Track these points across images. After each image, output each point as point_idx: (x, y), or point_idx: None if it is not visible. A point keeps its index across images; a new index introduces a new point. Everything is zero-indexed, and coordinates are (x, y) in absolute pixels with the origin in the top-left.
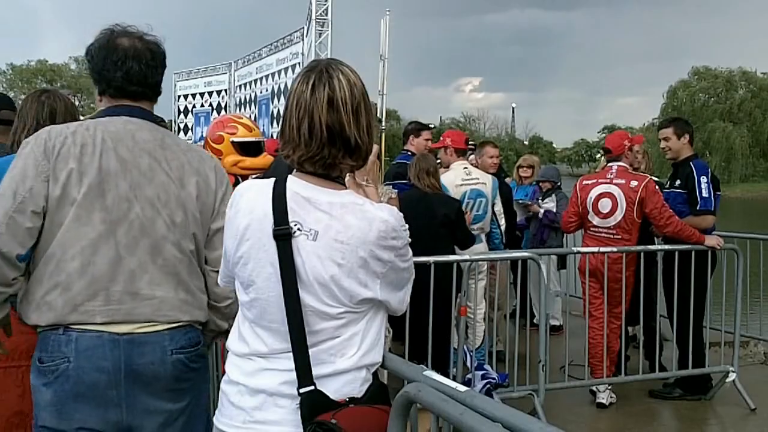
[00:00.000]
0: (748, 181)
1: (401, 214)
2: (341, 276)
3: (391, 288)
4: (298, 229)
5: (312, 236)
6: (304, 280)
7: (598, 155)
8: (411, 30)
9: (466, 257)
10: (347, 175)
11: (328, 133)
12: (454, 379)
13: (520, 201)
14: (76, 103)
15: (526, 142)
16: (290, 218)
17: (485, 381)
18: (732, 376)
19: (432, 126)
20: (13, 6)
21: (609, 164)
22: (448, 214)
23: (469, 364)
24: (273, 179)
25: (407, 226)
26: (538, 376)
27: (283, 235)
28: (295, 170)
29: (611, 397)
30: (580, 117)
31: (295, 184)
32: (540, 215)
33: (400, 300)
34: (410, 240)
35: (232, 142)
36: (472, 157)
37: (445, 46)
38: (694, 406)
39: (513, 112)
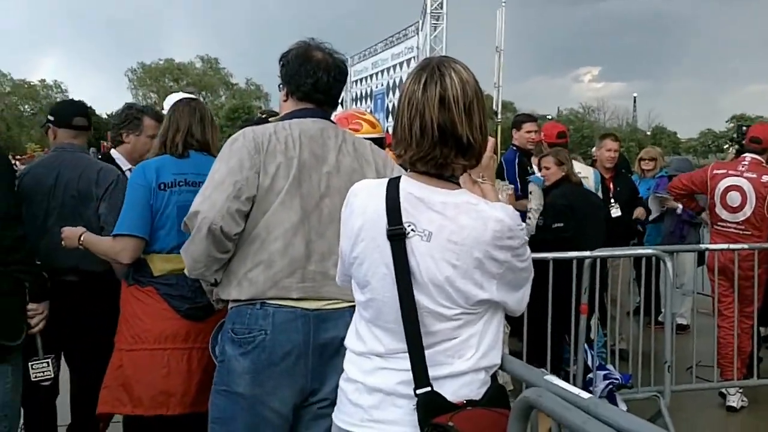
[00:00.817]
0: None
1: (517, 213)
2: (456, 277)
3: (509, 288)
4: (412, 229)
5: (426, 237)
6: (419, 281)
7: (726, 146)
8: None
9: (587, 253)
10: (463, 172)
11: (439, 132)
12: (574, 378)
13: (658, 194)
14: (201, 99)
15: (648, 133)
16: (404, 219)
17: (608, 381)
18: None
19: (550, 117)
20: (140, 7)
21: (743, 155)
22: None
23: (590, 363)
24: (386, 179)
25: (523, 225)
26: (664, 377)
27: (397, 236)
28: (408, 170)
29: (742, 400)
30: (706, 106)
31: (408, 184)
32: (679, 210)
33: (519, 300)
34: (527, 239)
35: None
36: (593, 149)
37: (561, 36)
38: None
39: (634, 101)
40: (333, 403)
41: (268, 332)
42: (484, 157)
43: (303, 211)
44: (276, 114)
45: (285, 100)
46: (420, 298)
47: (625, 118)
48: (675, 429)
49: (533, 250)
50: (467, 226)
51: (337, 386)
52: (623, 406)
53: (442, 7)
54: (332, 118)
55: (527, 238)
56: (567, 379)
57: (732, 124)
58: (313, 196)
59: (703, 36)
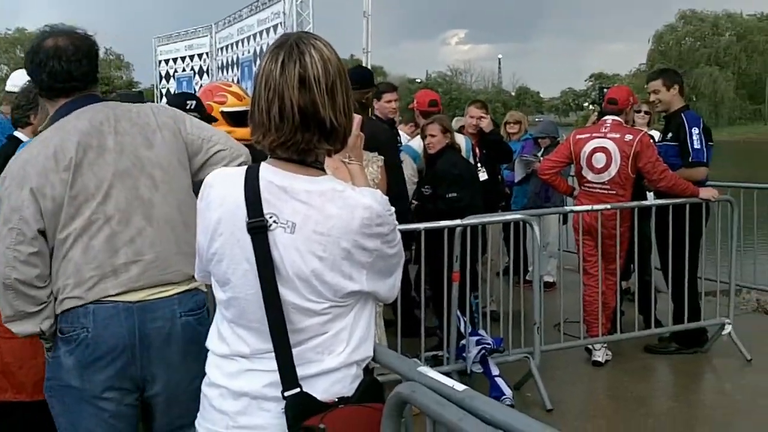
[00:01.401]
0: (735, 124)
1: (386, 198)
2: (323, 270)
3: (379, 276)
4: (274, 221)
5: (290, 229)
6: (283, 276)
7: (585, 104)
8: None
9: (458, 222)
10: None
11: (300, 115)
12: (448, 345)
13: (524, 157)
14: None
15: (513, 93)
16: (265, 210)
17: (480, 347)
18: (728, 329)
19: (419, 80)
20: None
21: (603, 118)
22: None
23: (463, 329)
24: (245, 167)
25: (392, 209)
26: (534, 338)
27: (258, 228)
28: (268, 156)
29: (607, 354)
30: (567, 66)
31: (268, 172)
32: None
33: (390, 287)
34: (398, 225)
35: (222, 113)
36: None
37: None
38: (690, 360)
39: (499, 63)
40: (168, 398)
41: (90, 329)
42: (351, 136)
43: (94, 210)
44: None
45: (44, 100)
46: (285, 293)
47: (491, 80)
48: (545, 387)
49: (423, 220)
50: (334, 215)
51: (170, 377)
52: (495, 370)
53: None
54: (197, 90)
55: (397, 223)
56: (440, 347)
57: (591, 83)
58: (101, 189)
59: None
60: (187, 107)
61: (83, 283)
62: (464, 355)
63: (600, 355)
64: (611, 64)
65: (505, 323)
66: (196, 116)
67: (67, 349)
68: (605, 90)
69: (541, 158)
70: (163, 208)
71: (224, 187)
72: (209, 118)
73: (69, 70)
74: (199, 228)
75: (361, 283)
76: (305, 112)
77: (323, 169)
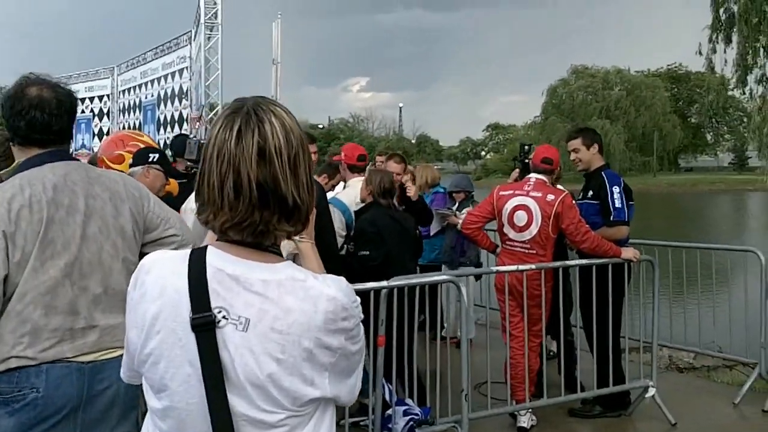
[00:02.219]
0: (626, 175)
1: (351, 287)
2: (281, 374)
3: (341, 378)
4: (224, 317)
5: (242, 326)
6: (233, 382)
7: (483, 152)
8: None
9: (384, 284)
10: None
11: (259, 192)
12: (373, 412)
13: (439, 210)
14: None
15: (413, 141)
16: (213, 303)
17: (408, 417)
18: (651, 391)
19: (321, 126)
20: None
21: (528, 176)
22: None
23: (389, 398)
24: (188, 251)
25: (358, 300)
26: (462, 406)
27: (204, 325)
28: (216, 239)
29: (532, 419)
30: (466, 115)
31: (217, 257)
32: (459, 226)
33: (351, 388)
34: (363, 316)
35: None
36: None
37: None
38: (615, 424)
39: (400, 111)
40: None
41: (41, 390)
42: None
43: (59, 270)
44: None
45: (17, 153)
46: (236, 403)
47: (392, 127)
48: None
49: (349, 278)
50: (294, 310)
51: None
52: None
53: (217, 17)
54: (104, 140)
55: (362, 315)
56: (363, 411)
57: (488, 133)
58: (69, 250)
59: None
60: (150, 159)
61: (38, 344)
62: (390, 426)
63: (525, 421)
64: (507, 115)
65: (431, 390)
66: (158, 169)
67: (7, 410)
68: (527, 147)
69: (456, 212)
70: (119, 277)
71: (164, 274)
72: (175, 173)
73: (49, 122)
74: (130, 322)
75: (323, 388)
76: (264, 188)
77: (281, 254)
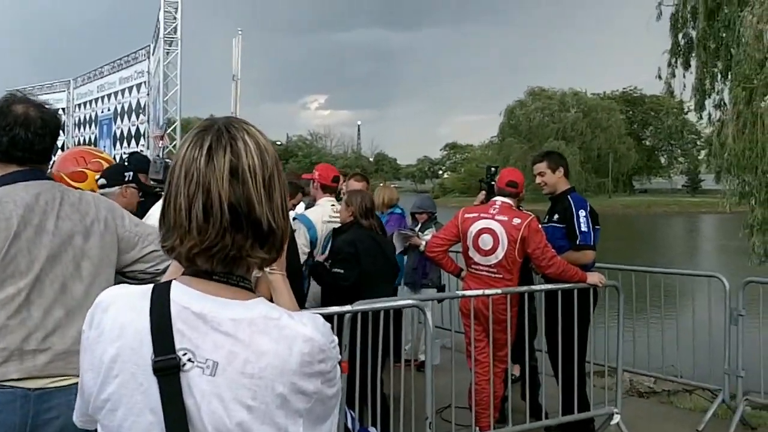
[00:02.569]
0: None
1: (328, 325)
2: (252, 423)
3: (317, 424)
4: (189, 360)
5: (210, 370)
6: (199, 431)
7: (440, 171)
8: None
9: (348, 308)
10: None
11: (231, 214)
12: None
13: (401, 231)
14: None
15: (371, 159)
16: (177, 345)
17: None
18: (616, 418)
19: (279, 143)
20: None
21: (493, 198)
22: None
23: (351, 425)
24: (150, 286)
25: (336, 340)
26: None
27: (167, 369)
28: (181, 273)
29: None
30: (423, 134)
31: (182, 293)
32: (422, 248)
33: None
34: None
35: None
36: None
37: (290, 64)
38: None
39: (359, 129)
40: None
41: None
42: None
43: (18, 290)
44: None
45: None
46: None
47: (351, 145)
48: None
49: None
50: (267, 352)
51: None
52: None
53: (176, 32)
54: (59, 156)
55: (339, 356)
56: None
57: (446, 152)
58: (32, 270)
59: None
60: (126, 179)
61: None
62: None
63: None
64: (464, 135)
65: (395, 419)
66: (134, 187)
67: None
68: (493, 169)
69: (419, 233)
70: (83, 302)
71: (123, 312)
72: (148, 191)
73: (33, 141)
74: (86, 364)
75: None
76: (237, 209)
77: (252, 290)
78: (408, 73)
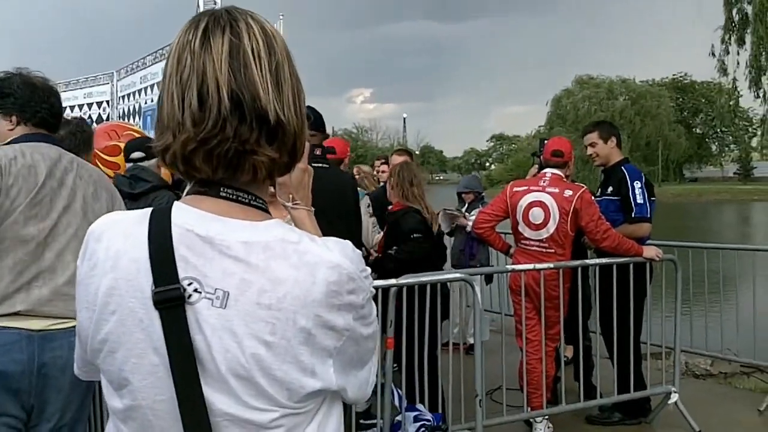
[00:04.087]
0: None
1: (358, 252)
2: (272, 361)
3: (350, 368)
4: (196, 290)
5: (219, 301)
6: (211, 373)
7: (487, 163)
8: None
9: (393, 281)
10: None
11: (231, 100)
12: (382, 418)
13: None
14: None
15: (417, 152)
16: (181, 274)
17: (419, 424)
18: (674, 397)
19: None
20: None
21: (543, 171)
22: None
23: (398, 403)
24: (149, 210)
25: (368, 270)
26: (476, 413)
27: (170, 301)
28: (186, 188)
29: (548, 427)
30: (470, 126)
31: (184, 214)
32: (468, 228)
33: (363, 383)
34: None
35: None
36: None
37: (336, 58)
38: (635, 431)
39: (404, 122)
40: (55, 425)
41: None
42: (296, 169)
43: (39, 231)
44: None
45: (11, 129)
46: (215, 399)
47: (396, 138)
48: None
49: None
50: (286, 279)
51: (59, 407)
52: None
53: None
54: (96, 130)
55: (373, 290)
56: (369, 414)
57: (492, 143)
58: (50, 217)
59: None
60: (134, 158)
61: None
62: None
63: (541, 428)
64: (511, 126)
65: (444, 392)
66: (143, 158)
67: None
68: (546, 142)
69: (465, 213)
70: None
71: (117, 239)
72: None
73: (60, 111)
74: (80, 300)
75: (326, 379)
76: (239, 96)
77: (267, 210)
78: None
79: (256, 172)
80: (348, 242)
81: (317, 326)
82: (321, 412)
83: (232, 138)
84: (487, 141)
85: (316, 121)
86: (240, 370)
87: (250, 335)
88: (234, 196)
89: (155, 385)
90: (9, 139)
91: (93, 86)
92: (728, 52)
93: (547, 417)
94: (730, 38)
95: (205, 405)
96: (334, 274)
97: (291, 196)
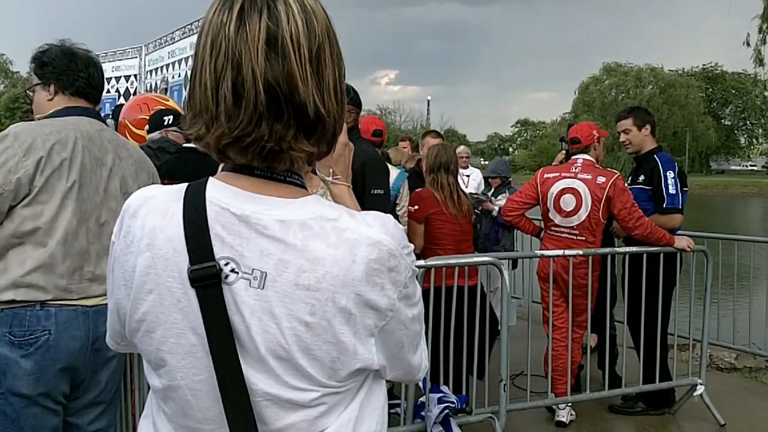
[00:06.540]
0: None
1: (400, 227)
2: (312, 341)
3: (397, 349)
4: (233, 270)
5: (257, 281)
6: (251, 353)
7: (511, 149)
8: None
9: (421, 262)
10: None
11: (268, 96)
12: (406, 399)
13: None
14: None
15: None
16: (218, 253)
17: (443, 405)
18: (700, 389)
19: None
20: None
21: (574, 157)
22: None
23: (421, 384)
24: (184, 185)
25: (411, 246)
26: (500, 397)
27: (206, 279)
28: (219, 169)
29: (571, 414)
30: (494, 111)
31: (220, 192)
32: (494, 213)
33: (415, 367)
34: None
35: None
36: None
37: (360, 39)
38: (658, 422)
39: (428, 104)
40: (95, 397)
41: (52, 332)
42: (337, 143)
43: (83, 213)
44: None
45: (50, 99)
46: (255, 379)
47: (420, 121)
48: None
49: None
50: (325, 258)
51: (105, 378)
52: (457, 431)
53: None
54: (126, 103)
55: (416, 269)
56: (390, 395)
57: (516, 129)
58: (92, 198)
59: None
60: (165, 123)
61: (53, 278)
62: (423, 413)
63: (564, 415)
64: (536, 112)
65: (468, 375)
66: (175, 131)
67: (22, 353)
68: (572, 127)
69: (491, 198)
70: None
71: (152, 216)
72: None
73: (101, 81)
74: (117, 278)
75: (367, 358)
76: (276, 90)
77: (304, 186)
78: (480, 50)
79: (293, 164)
80: (390, 217)
81: (358, 305)
82: (363, 390)
83: (267, 136)
84: (512, 126)
85: (353, 97)
86: (280, 351)
87: (289, 316)
88: (268, 174)
89: (194, 365)
90: (50, 111)
91: (122, 59)
92: (765, 42)
93: (570, 404)
94: (767, 27)
95: (245, 385)
96: (375, 252)
97: (331, 170)
